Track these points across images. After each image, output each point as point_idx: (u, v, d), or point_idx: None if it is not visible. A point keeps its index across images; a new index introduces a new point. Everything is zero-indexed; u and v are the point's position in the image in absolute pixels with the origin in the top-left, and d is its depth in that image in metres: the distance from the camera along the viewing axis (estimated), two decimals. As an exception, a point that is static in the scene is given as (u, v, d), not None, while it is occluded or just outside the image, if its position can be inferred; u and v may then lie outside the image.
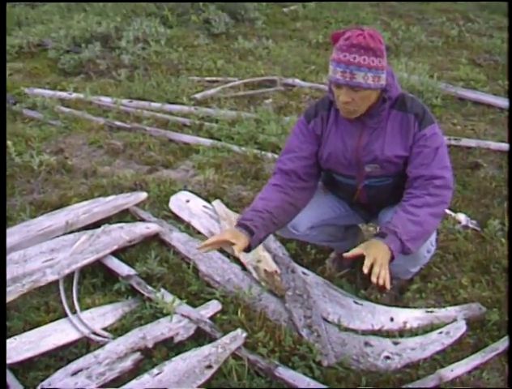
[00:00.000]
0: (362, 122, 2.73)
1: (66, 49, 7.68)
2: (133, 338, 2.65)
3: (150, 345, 2.63)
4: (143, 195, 3.92)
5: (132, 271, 3.12)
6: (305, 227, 2.97)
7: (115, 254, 3.27)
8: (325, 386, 2.51)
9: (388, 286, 2.44)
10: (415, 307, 3.06)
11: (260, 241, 2.68)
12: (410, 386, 2.52)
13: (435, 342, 2.76)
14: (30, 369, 2.57)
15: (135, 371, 2.53)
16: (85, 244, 3.31)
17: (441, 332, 2.81)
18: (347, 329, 2.85)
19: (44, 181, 4.43)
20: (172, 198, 3.97)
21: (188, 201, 3.92)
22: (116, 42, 7.82)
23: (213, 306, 2.92)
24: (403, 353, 2.69)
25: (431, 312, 2.97)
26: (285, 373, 2.53)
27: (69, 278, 3.09)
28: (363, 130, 2.74)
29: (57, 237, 3.43)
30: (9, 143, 4.72)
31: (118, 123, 5.50)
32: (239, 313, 2.86)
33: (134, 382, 2.43)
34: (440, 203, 2.66)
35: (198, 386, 2.45)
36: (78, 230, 3.51)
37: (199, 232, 3.60)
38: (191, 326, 2.76)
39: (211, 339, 2.70)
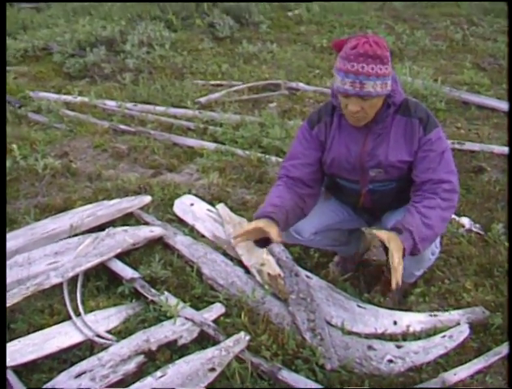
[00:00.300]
0: (367, 128, 2.72)
1: (71, 53, 7.73)
2: (136, 341, 2.66)
3: (153, 348, 2.64)
4: (147, 199, 3.94)
5: (136, 274, 3.13)
6: (309, 232, 2.97)
7: (119, 257, 3.28)
8: (328, 390, 2.51)
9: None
10: (418, 311, 3.06)
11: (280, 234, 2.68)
12: (413, 389, 2.52)
13: (438, 346, 2.75)
14: (34, 372, 2.58)
15: (139, 374, 2.54)
16: (89, 247, 3.32)
17: (444, 336, 2.80)
18: (350, 332, 2.85)
19: (48, 185, 4.44)
20: (177, 202, 3.98)
21: (192, 204, 3.93)
22: (121, 46, 7.86)
23: (216, 309, 2.92)
24: (407, 357, 2.68)
25: (434, 316, 2.96)
26: (288, 376, 2.53)
27: (73, 281, 3.10)
28: (367, 136, 2.74)
29: (62, 240, 3.44)
30: (14, 146, 4.73)
31: (123, 127, 5.53)
32: (242, 316, 2.86)
33: (137, 384, 2.43)
34: (450, 207, 2.67)
35: (202, 389, 2.46)
36: (83, 233, 3.52)
37: (203, 236, 3.61)
38: (195, 329, 2.76)
39: (215, 342, 2.70)
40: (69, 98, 6.36)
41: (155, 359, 2.63)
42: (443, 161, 2.68)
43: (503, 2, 9.71)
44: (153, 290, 3.04)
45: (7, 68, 7.39)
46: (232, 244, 2.63)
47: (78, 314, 2.88)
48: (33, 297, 2.95)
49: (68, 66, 7.46)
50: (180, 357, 2.59)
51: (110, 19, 9.17)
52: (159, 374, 2.47)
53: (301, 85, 6.68)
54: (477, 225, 3.77)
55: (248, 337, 2.69)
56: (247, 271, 3.22)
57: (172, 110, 5.90)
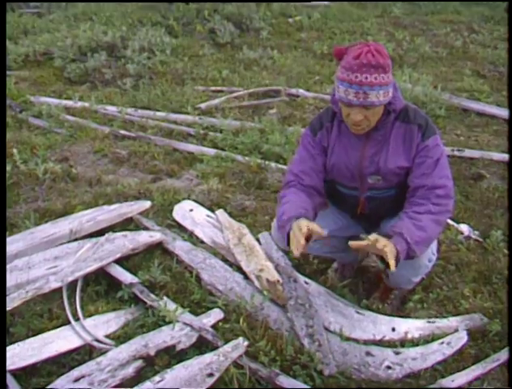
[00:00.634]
0: (366, 135, 2.73)
1: (71, 58, 7.75)
2: (135, 345, 2.66)
3: (152, 353, 2.64)
4: (147, 204, 3.94)
5: (135, 279, 3.13)
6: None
7: (118, 262, 3.28)
8: (326, 396, 2.52)
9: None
10: (416, 317, 3.06)
11: None
12: (411, 396, 2.53)
13: (436, 352, 2.75)
14: (33, 376, 2.58)
15: (137, 378, 2.54)
16: (89, 252, 3.32)
17: (442, 342, 2.81)
18: (348, 338, 2.85)
19: (48, 189, 4.45)
20: (176, 207, 3.99)
21: (191, 210, 3.93)
22: (121, 51, 7.88)
23: (215, 315, 2.92)
24: (404, 363, 2.69)
25: (432, 322, 2.96)
26: (286, 381, 2.54)
27: (72, 285, 3.10)
28: (367, 143, 2.75)
29: (61, 244, 3.45)
30: (14, 150, 4.74)
31: (123, 132, 5.54)
32: (241, 321, 2.86)
33: (135, 389, 2.44)
34: (442, 211, 2.68)
35: (200, 394, 2.46)
36: (82, 238, 3.52)
37: (202, 242, 3.61)
38: (193, 334, 2.77)
39: (213, 348, 2.70)
40: (69, 103, 6.37)
41: (154, 364, 2.63)
42: (438, 167, 2.69)
43: (503, 10, 9.75)
44: (152, 295, 3.04)
45: (8, 73, 7.40)
46: (295, 255, 2.63)
47: (77, 319, 2.89)
48: (33, 301, 2.95)
49: (69, 71, 7.48)
50: (178, 362, 2.60)
51: (111, 25, 9.20)
52: (157, 378, 2.47)
53: (301, 91, 6.70)
54: (476, 232, 3.78)
55: (246, 343, 2.69)
56: (246, 276, 3.23)
57: (173, 116, 5.91)
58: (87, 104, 6.23)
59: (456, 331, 2.90)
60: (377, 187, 2.83)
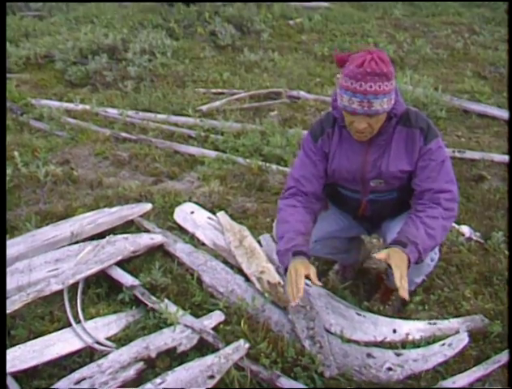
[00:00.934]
0: (369, 140, 2.72)
1: (73, 61, 7.76)
2: (136, 348, 2.66)
3: (153, 355, 2.64)
4: (148, 206, 3.95)
5: (136, 282, 3.13)
6: (310, 241, 2.98)
7: (119, 264, 3.28)
8: (327, 397, 2.52)
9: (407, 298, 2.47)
10: (417, 319, 3.06)
11: None
12: (412, 397, 2.53)
13: (437, 354, 2.75)
14: (34, 378, 2.59)
15: (138, 381, 2.54)
16: (90, 254, 3.33)
17: (443, 344, 2.80)
18: (349, 340, 2.85)
19: (49, 192, 4.46)
20: (177, 210, 3.99)
21: (192, 212, 3.94)
22: (122, 54, 7.89)
23: (216, 317, 2.92)
24: (406, 365, 2.68)
25: (434, 324, 2.96)
26: (287, 383, 2.54)
27: (73, 288, 3.11)
28: (369, 148, 2.75)
29: (62, 247, 3.45)
30: (15, 153, 4.75)
31: (124, 134, 5.54)
32: (242, 324, 2.86)
33: (136, 391, 2.44)
34: (451, 217, 2.70)
35: (201, 396, 2.47)
36: (83, 240, 3.53)
37: (203, 244, 3.62)
38: (194, 336, 2.77)
39: (214, 350, 2.71)
40: (70, 105, 6.38)
41: (155, 366, 2.64)
42: (443, 171, 2.70)
43: (504, 12, 9.75)
44: (153, 297, 3.04)
45: (10, 75, 7.42)
46: (291, 306, 2.70)
47: (78, 321, 2.89)
48: (34, 303, 2.96)
49: (70, 73, 7.49)
50: (179, 364, 2.60)
51: (112, 27, 9.21)
52: (158, 380, 2.47)
53: (302, 93, 6.70)
54: (477, 233, 3.78)
55: (247, 345, 2.69)
56: (247, 279, 3.23)
57: (174, 118, 5.92)
58: (88, 107, 6.24)
59: (457, 332, 2.89)
60: (378, 190, 2.84)
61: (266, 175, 4.68)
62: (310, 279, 2.58)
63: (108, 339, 2.82)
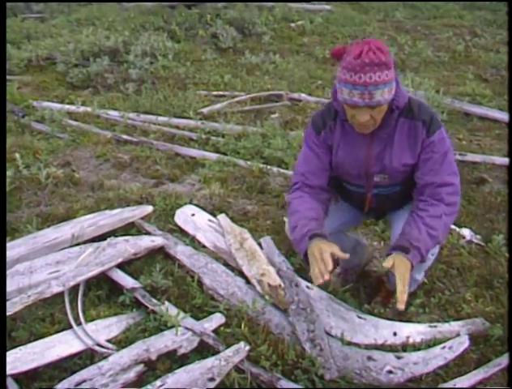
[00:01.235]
0: (371, 134, 2.69)
1: (74, 63, 7.77)
2: (136, 350, 2.66)
3: (153, 357, 2.64)
4: (149, 209, 3.95)
5: (137, 284, 3.14)
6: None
7: (120, 266, 3.28)
8: (327, 400, 2.52)
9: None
10: (418, 322, 3.07)
11: None
12: (412, 400, 2.53)
13: (438, 357, 2.75)
14: (34, 380, 2.59)
15: (138, 383, 2.54)
16: (90, 256, 3.33)
17: (444, 347, 2.80)
18: (350, 343, 2.85)
19: (51, 194, 4.46)
20: (178, 212, 3.99)
21: (193, 215, 3.94)
22: (124, 56, 7.89)
23: (217, 319, 2.92)
24: (406, 368, 2.68)
25: (434, 327, 2.96)
26: (287, 386, 2.54)
27: (74, 290, 3.11)
28: (372, 142, 2.71)
29: (63, 249, 3.45)
30: (17, 155, 4.76)
31: (125, 137, 5.54)
32: (242, 326, 2.86)
33: (137, 393, 2.44)
34: (453, 212, 2.68)
35: (201, 399, 2.47)
36: (84, 243, 3.53)
37: (204, 246, 3.62)
38: (195, 338, 2.77)
39: (215, 352, 2.71)
40: (72, 108, 6.39)
41: (155, 368, 2.64)
42: (446, 162, 2.67)
43: (505, 14, 9.75)
44: (154, 300, 3.05)
45: (11, 77, 7.43)
46: (318, 282, 2.63)
47: (78, 323, 2.89)
48: (34, 305, 2.96)
49: (71, 75, 7.50)
50: (179, 367, 2.60)
51: (114, 30, 9.22)
52: (158, 383, 2.47)
53: (303, 96, 6.70)
54: (478, 236, 3.78)
55: (247, 347, 2.70)
56: (248, 281, 3.23)
57: (175, 120, 5.92)
58: (89, 109, 6.25)
59: (458, 335, 2.89)
60: (382, 185, 2.82)
61: (267, 177, 4.68)
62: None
63: (109, 341, 2.82)
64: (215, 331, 2.86)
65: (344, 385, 2.60)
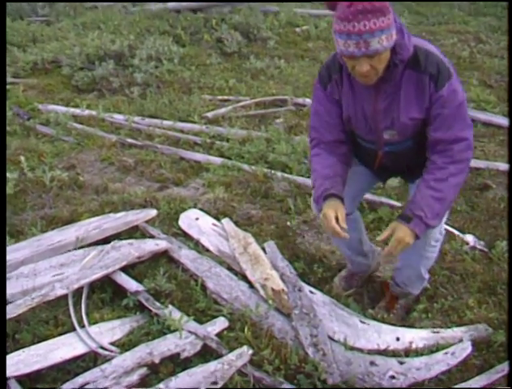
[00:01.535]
0: (376, 87, 2.60)
1: (79, 66, 7.77)
2: (140, 353, 2.67)
3: (156, 361, 2.65)
4: (153, 212, 3.96)
5: (140, 287, 3.14)
6: (350, 206, 2.95)
7: (124, 269, 3.29)
8: (330, 405, 2.52)
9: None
10: (421, 327, 3.07)
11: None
12: (415, 406, 2.53)
13: (440, 362, 2.75)
14: (37, 382, 2.60)
15: (141, 386, 2.55)
16: (94, 259, 3.34)
17: (446, 353, 2.80)
18: (352, 348, 2.86)
19: (55, 197, 4.47)
20: (182, 216, 3.99)
21: (197, 219, 3.94)
22: (129, 60, 7.90)
23: (220, 323, 2.93)
24: (409, 373, 2.68)
25: (437, 332, 2.96)
26: (290, 390, 2.55)
27: (78, 293, 3.12)
28: (378, 95, 2.63)
29: (68, 251, 3.46)
30: (22, 158, 4.78)
31: (130, 140, 5.55)
32: (245, 330, 2.87)
33: (140, 396, 2.45)
34: (463, 170, 2.63)
35: (204, 403, 2.47)
36: (88, 246, 3.54)
37: (208, 250, 3.62)
38: (198, 342, 2.78)
39: (218, 356, 2.71)
40: (77, 111, 6.39)
41: (158, 372, 2.65)
42: (458, 117, 2.59)
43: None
44: (157, 303, 3.05)
45: (17, 80, 7.46)
46: (333, 234, 2.68)
47: (82, 326, 2.90)
48: (38, 308, 2.97)
49: (77, 79, 7.51)
50: (183, 370, 2.61)
51: (119, 34, 9.22)
52: (161, 386, 2.48)
53: (308, 101, 6.66)
54: (481, 242, 3.78)
55: (251, 351, 2.70)
56: (251, 285, 3.23)
57: (180, 125, 5.92)
58: (94, 113, 6.26)
59: (461, 341, 2.89)
60: (393, 142, 2.76)
61: (272, 182, 4.68)
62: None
63: (112, 344, 2.83)
64: (219, 334, 2.87)
65: (347, 390, 2.61)
